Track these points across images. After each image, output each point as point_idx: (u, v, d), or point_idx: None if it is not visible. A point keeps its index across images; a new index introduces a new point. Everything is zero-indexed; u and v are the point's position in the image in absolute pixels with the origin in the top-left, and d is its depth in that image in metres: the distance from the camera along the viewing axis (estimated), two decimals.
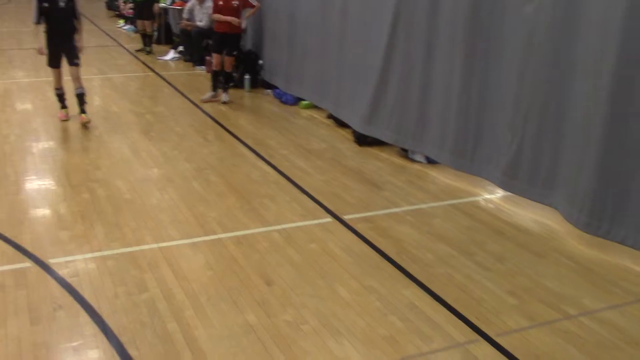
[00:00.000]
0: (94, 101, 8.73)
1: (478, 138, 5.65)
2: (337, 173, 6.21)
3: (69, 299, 3.83)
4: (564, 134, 4.83)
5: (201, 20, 11.11)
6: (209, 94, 9.00)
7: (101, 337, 3.47)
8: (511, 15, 5.14)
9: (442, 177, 6.18)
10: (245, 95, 9.45)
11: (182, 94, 9.37)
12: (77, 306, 3.76)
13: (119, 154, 6.56)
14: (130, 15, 14.99)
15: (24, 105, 8.38)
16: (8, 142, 6.81)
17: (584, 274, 4.37)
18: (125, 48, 13.36)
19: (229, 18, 8.59)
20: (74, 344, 3.41)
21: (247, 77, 9.64)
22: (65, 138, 7.16)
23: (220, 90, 8.96)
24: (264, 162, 6.46)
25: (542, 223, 5.13)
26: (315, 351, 3.41)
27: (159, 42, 13.22)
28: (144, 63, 11.77)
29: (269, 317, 3.71)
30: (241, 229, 4.88)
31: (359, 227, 4.97)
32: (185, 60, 11.86)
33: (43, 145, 6.78)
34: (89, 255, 4.38)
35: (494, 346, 3.50)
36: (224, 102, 8.80)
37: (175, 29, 13.24)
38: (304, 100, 8.72)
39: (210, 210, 5.22)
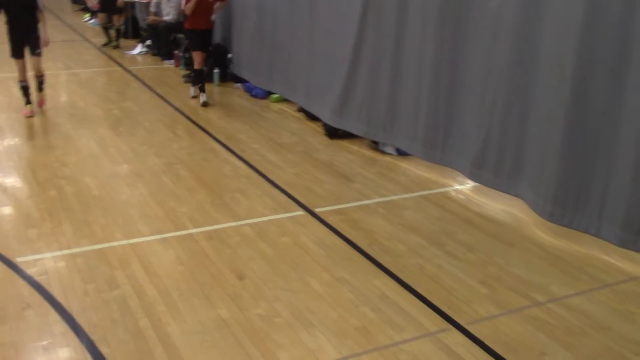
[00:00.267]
0: (60, 97, 8.59)
1: (448, 129, 5.69)
2: (308, 166, 6.21)
3: (37, 298, 3.77)
4: (528, 126, 4.90)
5: (168, 14, 10.99)
6: (193, 89, 8.71)
7: (71, 335, 3.42)
8: (477, 10, 5.19)
9: (413, 168, 6.22)
10: (214, 90, 9.36)
11: (151, 88, 9.26)
12: (47, 305, 3.70)
13: (87, 150, 6.47)
14: (97, 9, 14.74)
15: None
16: None
17: (552, 261, 4.45)
18: (91, 42, 13.15)
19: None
20: (44, 342, 3.36)
21: (216, 71, 9.55)
22: (31, 134, 7.03)
23: (198, 90, 8.58)
24: (234, 157, 6.43)
25: (510, 213, 5.21)
26: (289, 344, 3.41)
27: (126, 36, 13.02)
28: (110, 58, 11.59)
29: (241, 311, 3.70)
30: (212, 224, 4.85)
31: (330, 220, 4.99)
32: (153, 55, 11.70)
33: (8, 142, 6.64)
34: (58, 253, 4.32)
35: (465, 334, 3.55)
36: (204, 104, 8.34)
37: (142, 23, 13.06)
38: (274, 93, 8.69)
39: (181, 205, 5.18)
